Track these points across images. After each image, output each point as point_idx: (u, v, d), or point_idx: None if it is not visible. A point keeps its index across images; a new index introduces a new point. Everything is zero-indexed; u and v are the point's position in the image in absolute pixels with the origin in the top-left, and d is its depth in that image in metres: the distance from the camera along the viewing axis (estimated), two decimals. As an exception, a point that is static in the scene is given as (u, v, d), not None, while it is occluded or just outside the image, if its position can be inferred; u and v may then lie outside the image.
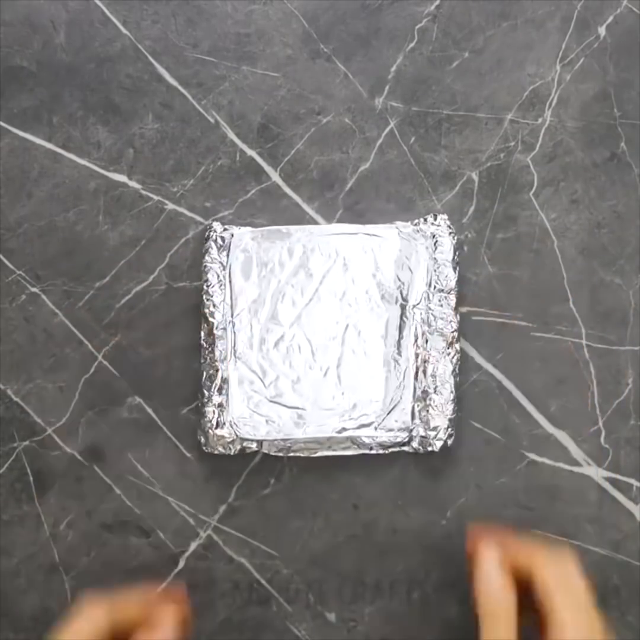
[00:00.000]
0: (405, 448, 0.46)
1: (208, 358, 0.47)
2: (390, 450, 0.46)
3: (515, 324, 0.48)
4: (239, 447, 0.46)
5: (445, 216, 0.48)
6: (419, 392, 0.46)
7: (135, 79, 0.50)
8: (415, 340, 0.46)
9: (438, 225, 0.48)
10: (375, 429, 0.45)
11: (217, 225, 0.48)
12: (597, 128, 0.50)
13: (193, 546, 0.47)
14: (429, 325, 0.46)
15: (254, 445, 0.46)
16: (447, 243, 0.47)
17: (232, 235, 0.48)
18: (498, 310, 0.49)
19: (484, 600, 0.38)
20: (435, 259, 0.47)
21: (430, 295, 0.47)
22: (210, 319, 0.47)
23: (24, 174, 0.49)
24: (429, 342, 0.46)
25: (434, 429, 0.45)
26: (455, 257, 0.47)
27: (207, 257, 0.48)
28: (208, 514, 0.47)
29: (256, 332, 0.46)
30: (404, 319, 0.46)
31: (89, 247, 0.49)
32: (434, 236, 0.47)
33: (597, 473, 0.47)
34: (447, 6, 0.50)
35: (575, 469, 0.47)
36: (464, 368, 0.47)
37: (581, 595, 0.37)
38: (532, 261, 0.49)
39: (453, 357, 0.46)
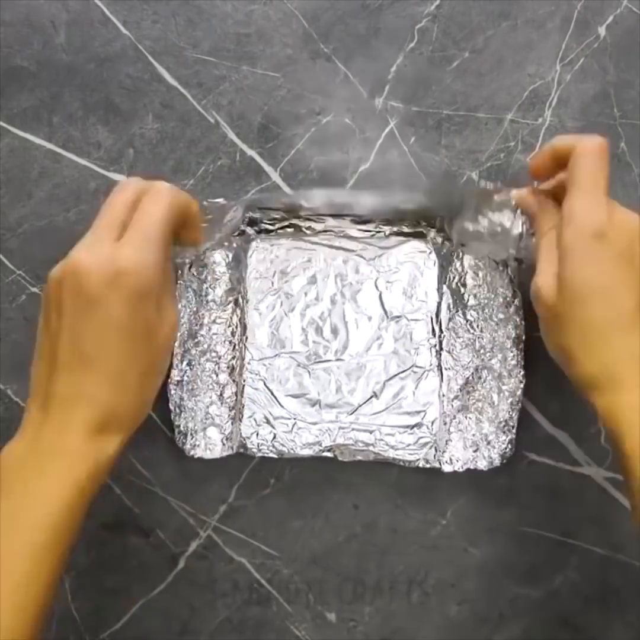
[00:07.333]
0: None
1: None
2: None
3: (515, 324, 0.48)
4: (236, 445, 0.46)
5: None
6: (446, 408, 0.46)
7: (135, 79, 0.50)
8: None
9: None
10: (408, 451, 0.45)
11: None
12: (597, 128, 0.50)
13: (193, 546, 0.47)
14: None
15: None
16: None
17: (250, 244, 0.47)
18: (498, 310, 0.48)
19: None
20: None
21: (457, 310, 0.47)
22: None
23: (24, 174, 0.49)
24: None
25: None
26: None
27: (217, 269, 0.47)
28: (208, 514, 0.47)
29: (266, 342, 0.46)
30: (431, 334, 0.46)
31: (89, 247, 0.49)
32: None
33: (597, 473, 0.47)
34: (447, 6, 0.50)
35: (575, 469, 0.47)
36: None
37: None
38: (532, 261, 0.49)
39: None
